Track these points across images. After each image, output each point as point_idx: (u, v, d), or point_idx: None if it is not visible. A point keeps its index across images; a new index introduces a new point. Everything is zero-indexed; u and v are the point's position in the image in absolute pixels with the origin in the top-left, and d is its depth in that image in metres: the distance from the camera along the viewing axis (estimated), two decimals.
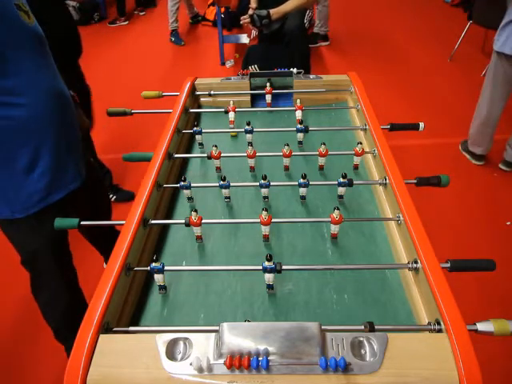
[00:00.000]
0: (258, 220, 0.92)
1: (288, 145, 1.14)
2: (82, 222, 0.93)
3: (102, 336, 0.68)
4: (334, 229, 0.96)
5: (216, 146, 1.15)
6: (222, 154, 1.16)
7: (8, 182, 1.14)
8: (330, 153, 1.14)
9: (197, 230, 0.97)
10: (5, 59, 0.99)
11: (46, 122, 1.12)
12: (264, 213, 0.91)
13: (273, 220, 0.93)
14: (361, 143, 1.14)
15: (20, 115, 1.06)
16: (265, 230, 0.96)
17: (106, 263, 0.80)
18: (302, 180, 1.02)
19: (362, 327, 0.68)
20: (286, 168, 1.20)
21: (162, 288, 0.87)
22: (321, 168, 1.20)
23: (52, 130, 1.14)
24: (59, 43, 1.47)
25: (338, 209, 0.91)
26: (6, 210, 1.17)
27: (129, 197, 2.45)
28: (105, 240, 1.34)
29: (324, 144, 1.13)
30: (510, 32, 2.32)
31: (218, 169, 1.21)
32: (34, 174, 1.15)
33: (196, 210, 0.92)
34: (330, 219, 0.93)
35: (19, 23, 1.03)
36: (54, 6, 1.84)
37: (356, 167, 1.20)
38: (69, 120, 1.25)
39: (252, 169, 1.20)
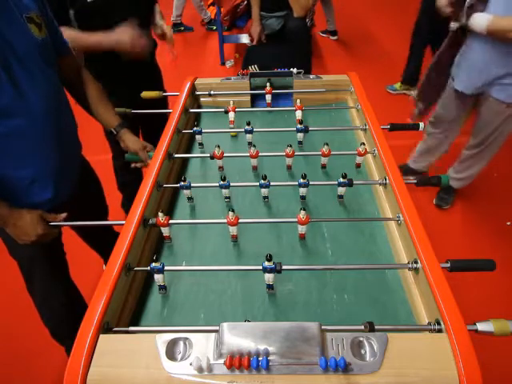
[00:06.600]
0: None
1: (291, 146, 1.14)
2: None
3: (101, 336, 0.68)
4: (301, 229, 0.96)
5: (219, 146, 1.15)
6: (223, 154, 1.16)
7: None
8: (331, 153, 1.14)
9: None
10: (9, 70, 0.98)
11: (44, 133, 1.10)
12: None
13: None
14: (364, 144, 1.14)
15: (19, 124, 1.04)
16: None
17: (106, 265, 0.80)
18: (301, 180, 1.02)
19: (362, 327, 0.68)
20: (289, 167, 1.20)
21: (162, 288, 0.87)
22: (323, 167, 1.20)
23: (47, 141, 1.12)
24: None
25: (305, 210, 0.91)
26: None
27: None
28: (104, 241, 1.33)
29: (327, 144, 1.13)
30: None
31: (221, 168, 1.21)
32: (27, 179, 1.12)
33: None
34: (296, 219, 0.92)
35: (27, 36, 1.02)
36: None
37: (358, 166, 1.20)
38: (65, 131, 1.22)
39: (254, 168, 1.20)
